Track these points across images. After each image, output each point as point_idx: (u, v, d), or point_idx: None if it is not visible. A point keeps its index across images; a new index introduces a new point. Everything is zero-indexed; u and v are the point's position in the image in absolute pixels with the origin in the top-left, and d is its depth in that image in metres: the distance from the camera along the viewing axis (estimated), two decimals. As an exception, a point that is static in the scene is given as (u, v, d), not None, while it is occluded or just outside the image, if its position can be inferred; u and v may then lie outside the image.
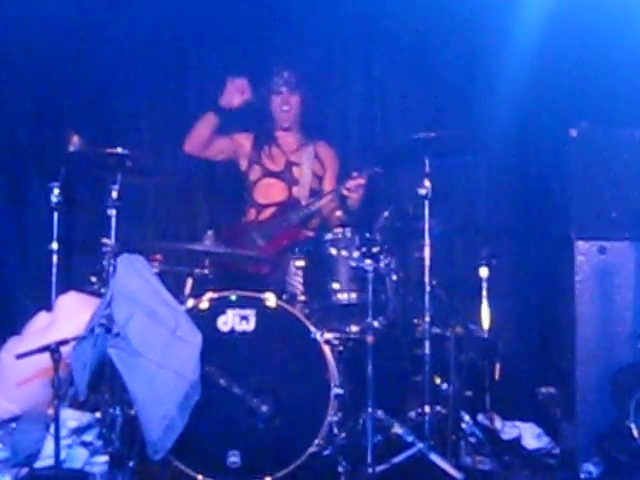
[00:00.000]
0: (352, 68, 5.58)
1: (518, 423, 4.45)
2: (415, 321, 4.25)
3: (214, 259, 4.24)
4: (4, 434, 3.84)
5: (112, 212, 4.00)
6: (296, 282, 4.44)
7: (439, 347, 4.16)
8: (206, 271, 4.22)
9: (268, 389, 3.84)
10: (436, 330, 4.19)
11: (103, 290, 4.00)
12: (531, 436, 4.39)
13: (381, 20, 5.41)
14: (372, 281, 3.95)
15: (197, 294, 4.02)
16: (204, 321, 3.83)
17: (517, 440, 4.38)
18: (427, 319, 4.02)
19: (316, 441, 3.81)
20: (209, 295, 3.94)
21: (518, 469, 4.08)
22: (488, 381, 4.46)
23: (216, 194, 5.41)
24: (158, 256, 4.23)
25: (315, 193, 4.91)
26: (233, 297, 3.94)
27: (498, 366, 4.53)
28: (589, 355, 4.13)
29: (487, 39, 5.22)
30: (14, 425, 3.91)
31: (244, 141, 5.02)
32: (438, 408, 4.16)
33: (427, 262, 4.05)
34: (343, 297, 4.12)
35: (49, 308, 4.23)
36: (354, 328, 4.15)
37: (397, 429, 3.99)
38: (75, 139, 4.26)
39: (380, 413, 3.98)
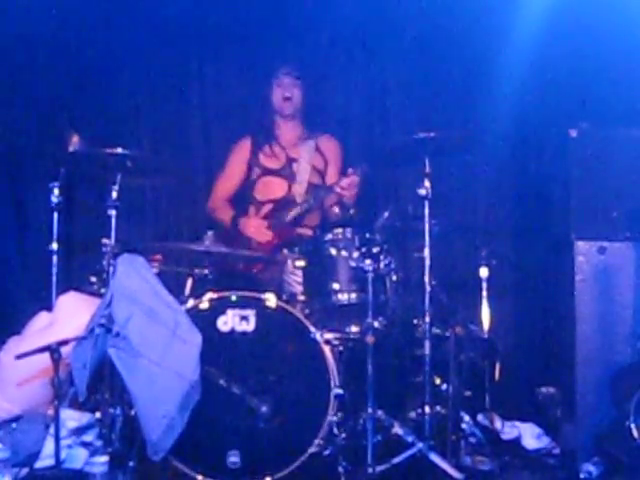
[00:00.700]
0: (352, 68, 5.58)
1: (518, 423, 4.45)
2: (415, 321, 4.25)
3: (214, 259, 4.24)
4: (4, 434, 3.84)
5: (112, 212, 4.00)
6: (294, 282, 4.45)
7: (439, 347, 4.16)
8: (206, 271, 4.22)
9: (268, 389, 3.85)
10: (436, 330, 4.19)
11: (103, 290, 3.99)
12: (531, 436, 4.39)
13: (382, 19, 5.40)
14: (372, 281, 3.95)
15: (197, 294, 4.02)
16: (204, 321, 3.83)
17: (517, 440, 4.38)
18: (427, 319, 4.02)
19: (316, 441, 3.81)
20: (209, 295, 3.95)
21: (518, 469, 4.08)
22: (488, 381, 4.46)
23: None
24: (158, 256, 4.23)
25: (315, 188, 4.90)
26: (233, 297, 3.95)
27: (498, 366, 4.53)
28: (589, 355, 4.13)
29: (487, 39, 5.21)
30: (14, 425, 3.90)
31: (242, 148, 5.02)
32: (438, 408, 4.15)
33: (427, 262, 4.04)
34: (343, 297, 4.12)
35: (49, 308, 4.23)
36: (354, 328, 4.15)
37: (397, 429, 3.99)
38: (75, 139, 4.25)
39: (380, 413, 3.98)
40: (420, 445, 3.89)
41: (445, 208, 4.41)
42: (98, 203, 4.23)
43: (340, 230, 4.17)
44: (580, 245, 4.18)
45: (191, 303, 3.93)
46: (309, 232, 4.83)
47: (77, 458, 3.72)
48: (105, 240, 4.03)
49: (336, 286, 4.12)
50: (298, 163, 4.97)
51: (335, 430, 3.88)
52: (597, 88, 5.08)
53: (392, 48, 5.49)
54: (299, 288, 4.33)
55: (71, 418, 3.78)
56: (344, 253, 4.12)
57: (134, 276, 3.71)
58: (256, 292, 3.98)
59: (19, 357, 3.57)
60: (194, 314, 3.84)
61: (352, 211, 4.61)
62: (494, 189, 5.49)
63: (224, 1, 5.33)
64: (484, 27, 5.20)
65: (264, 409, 3.81)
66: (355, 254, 4.09)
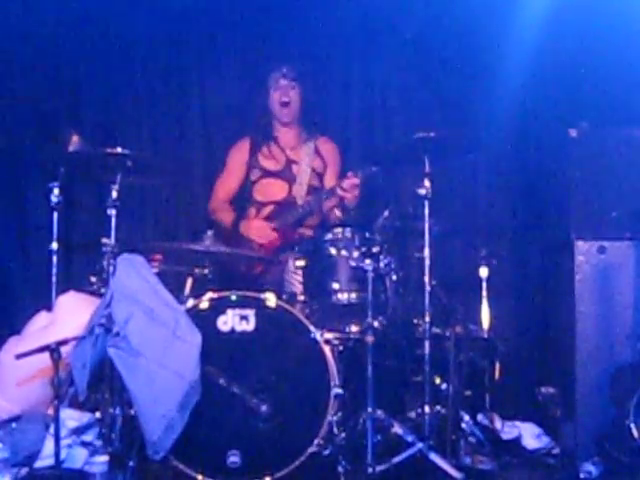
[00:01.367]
0: (352, 67, 5.58)
1: (518, 423, 4.45)
2: (415, 321, 4.25)
3: (214, 259, 4.24)
4: (4, 434, 3.84)
5: (112, 212, 3.99)
6: (295, 281, 4.45)
7: (439, 347, 4.17)
8: (206, 271, 4.22)
9: (268, 389, 3.85)
10: (436, 330, 4.19)
11: (103, 290, 3.99)
12: (531, 436, 4.39)
13: (382, 19, 5.41)
14: (372, 281, 3.95)
15: (197, 294, 4.02)
16: (204, 321, 3.83)
17: (517, 440, 4.38)
18: (427, 319, 4.02)
19: (316, 441, 3.81)
20: (209, 295, 3.95)
21: (518, 469, 4.08)
22: (488, 381, 4.46)
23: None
24: (158, 256, 4.23)
25: (314, 190, 4.90)
26: (233, 297, 3.95)
27: (498, 366, 4.53)
28: (589, 355, 4.13)
29: (487, 39, 5.21)
30: (14, 425, 3.91)
31: (241, 149, 5.02)
32: (438, 408, 4.16)
33: (427, 262, 4.04)
34: (343, 297, 4.12)
35: (49, 308, 4.23)
36: (354, 328, 4.14)
37: (397, 429, 3.99)
38: (75, 139, 4.26)
39: (380, 413, 3.98)
40: (420, 445, 3.89)
41: (445, 208, 4.41)
42: (98, 203, 4.24)
43: (340, 230, 4.18)
44: (580, 245, 4.18)
45: (191, 303, 3.93)
46: (310, 232, 4.83)
47: (77, 458, 3.72)
48: (105, 240, 4.03)
49: (336, 286, 4.12)
50: (298, 165, 4.96)
51: (335, 430, 3.88)
52: (597, 88, 5.08)
53: (392, 48, 5.49)
54: (300, 287, 4.33)
55: (71, 418, 3.79)
56: (344, 253, 4.12)
57: (134, 276, 3.71)
58: (256, 292, 3.99)
59: (19, 357, 3.57)
60: (194, 314, 3.84)
61: (353, 213, 4.62)
62: (494, 189, 5.49)
63: (224, 2, 5.34)
64: (484, 27, 5.20)
65: (264, 409, 3.81)
66: (355, 254, 4.09)
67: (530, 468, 4.11)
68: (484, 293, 4.54)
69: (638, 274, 4.14)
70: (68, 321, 4.01)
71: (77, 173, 4.55)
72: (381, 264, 4.09)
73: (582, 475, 3.95)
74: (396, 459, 3.86)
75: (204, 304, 3.93)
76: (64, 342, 3.55)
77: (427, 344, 4.01)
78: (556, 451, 4.32)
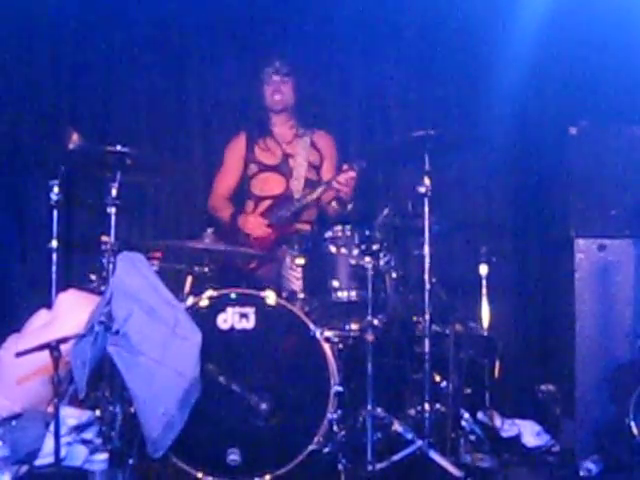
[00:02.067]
0: (352, 65, 5.57)
1: (518, 421, 4.45)
2: (415, 319, 4.25)
3: (214, 257, 4.24)
4: (4, 432, 3.83)
5: (112, 210, 3.99)
6: (294, 277, 4.44)
7: (439, 345, 4.16)
8: (206, 269, 4.22)
9: (268, 387, 3.85)
10: (436, 328, 4.19)
11: (103, 288, 3.99)
12: (531, 434, 4.39)
13: (381, 16, 5.41)
14: (372, 279, 3.96)
15: (197, 292, 4.02)
16: (204, 319, 3.83)
17: (517, 438, 4.38)
18: (427, 317, 4.02)
19: (316, 439, 3.81)
20: (209, 293, 3.95)
21: (517, 467, 4.08)
22: (488, 379, 4.46)
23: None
24: (158, 254, 4.23)
25: (311, 184, 4.90)
26: (233, 295, 3.95)
27: (498, 364, 4.53)
28: (589, 353, 4.13)
29: (487, 36, 5.22)
30: (14, 423, 3.90)
31: (238, 144, 5.02)
32: (438, 406, 4.16)
33: (427, 260, 4.04)
34: (343, 295, 4.12)
35: (49, 306, 4.23)
36: (354, 326, 4.14)
37: (397, 427, 3.99)
38: (75, 137, 4.25)
39: (380, 411, 3.98)
40: (420, 443, 3.89)
41: (445, 206, 4.40)
42: (98, 201, 4.23)
43: (340, 227, 4.18)
44: (580, 242, 4.18)
45: (191, 301, 3.93)
46: (307, 227, 4.83)
47: (77, 456, 3.72)
48: (105, 238, 4.03)
49: (336, 284, 4.12)
50: (294, 159, 4.97)
51: (335, 427, 3.88)
52: (597, 85, 5.09)
53: (392, 45, 5.49)
54: (298, 284, 4.32)
55: (71, 416, 3.78)
56: (344, 250, 4.12)
57: (134, 274, 3.71)
58: (256, 290, 3.99)
59: (19, 355, 3.57)
60: (194, 312, 3.84)
61: (350, 206, 4.61)
62: (494, 186, 5.50)
63: (222, -1, 5.36)
64: (484, 25, 5.21)
65: (264, 407, 3.81)
66: (355, 251, 4.09)
67: (530, 466, 4.11)
68: (484, 291, 4.54)
69: (638, 272, 4.14)
70: (68, 319, 4.01)
71: (77, 171, 4.55)
72: (381, 262, 4.10)
73: (582, 473, 3.95)
74: (396, 457, 3.86)
75: (204, 302, 3.93)
76: (64, 340, 3.54)
77: (427, 342, 4.01)
78: (556, 449, 4.32)
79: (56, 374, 3.45)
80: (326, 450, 3.86)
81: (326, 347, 3.92)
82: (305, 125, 5.04)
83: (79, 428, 3.80)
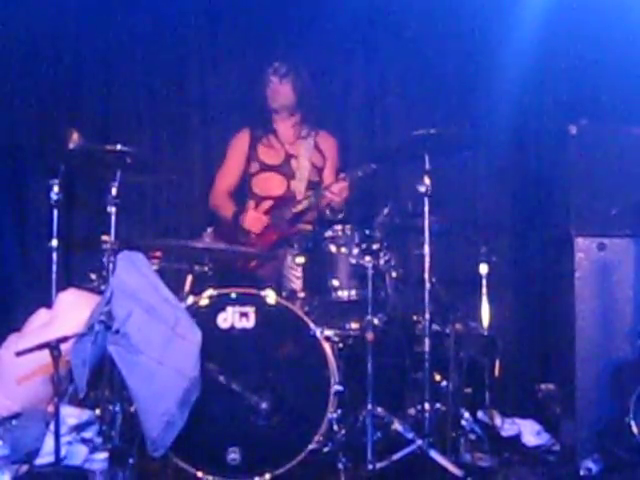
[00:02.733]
0: (352, 65, 5.57)
1: (518, 420, 4.46)
2: (415, 318, 4.25)
3: (214, 256, 4.24)
4: (4, 431, 3.84)
5: (112, 209, 3.99)
6: (294, 277, 4.45)
7: (439, 344, 4.17)
8: (206, 268, 4.22)
9: (268, 386, 3.85)
10: (436, 327, 4.19)
11: (103, 287, 3.99)
12: (531, 433, 4.39)
13: (381, 16, 5.40)
14: (372, 278, 3.96)
15: (197, 291, 4.02)
16: (204, 318, 3.83)
17: (517, 437, 4.39)
18: (427, 316, 4.02)
19: (316, 438, 3.81)
20: (209, 292, 3.95)
21: (518, 466, 4.08)
22: (488, 378, 4.46)
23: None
24: (158, 253, 4.23)
25: (314, 185, 4.90)
26: (233, 294, 3.94)
27: (498, 363, 4.53)
28: (589, 352, 4.13)
29: (487, 36, 5.22)
30: (14, 422, 3.90)
31: (241, 140, 5.01)
32: (438, 405, 4.16)
33: (427, 259, 4.05)
34: (343, 294, 4.13)
35: (49, 305, 4.23)
36: (354, 325, 4.15)
37: (397, 426, 3.99)
38: (75, 136, 4.25)
39: (380, 410, 3.98)
40: (420, 442, 3.89)
41: (445, 205, 4.41)
42: (98, 200, 4.22)
43: (340, 227, 4.18)
44: (580, 242, 4.18)
45: (191, 300, 3.93)
46: (309, 227, 4.83)
47: (77, 455, 3.72)
48: (105, 237, 4.03)
49: (336, 283, 4.13)
50: (297, 160, 4.96)
51: (335, 427, 3.88)
52: (596, 84, 5.09)
53: (392, 45, 5.48)
54: (298, 283, 4.33)
55: (71, 415, 3.78)
56: (344, 250, 4.13)
57: (134, 273, 3.71)
58: (256, 289, 3.99)
59: (19, 354, 3.57)
60: (194, 311, 3.84)
61: (341, 215, 4.62)
62: (494, 186, 5.49)
63: (224, -2, 5.36)
64: (484, 24, 5.21)
65: (264, 406, 3.81)
66: (355, 251, 4.10)
67: (530, 465, 4.11)
68: (484, 290, 4.54)
69: (638, 271, 4.14)
70: (68, 318, 4.01)
71: (77, 170, 4.55)
72: (381, 261, 4.10)
73: (582, 472, 3.95)
74: (396, 456, 3.86)
75: (204, 301, 3.93)
76: (64, 339, 3.54)
77: (427, 341, 4.02)
78: (556, 448, 4.32)
79: (56, 373, 3.46)
80: (326, 449, 3.87)
81: (326, 346, 3.92)
82: (308, 126, 5.04)
83: (79, 427, 3.80)
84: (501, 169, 5.47)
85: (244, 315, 3.91)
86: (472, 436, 4.15)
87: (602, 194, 4.20)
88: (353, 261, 4.08)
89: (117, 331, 3.56)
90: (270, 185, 4.93)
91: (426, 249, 4.05)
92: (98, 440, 3.78)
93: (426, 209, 4.06)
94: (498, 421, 4.38)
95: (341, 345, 4.14)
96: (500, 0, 5.06)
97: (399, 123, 5.47)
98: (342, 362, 4.07)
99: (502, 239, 5.34)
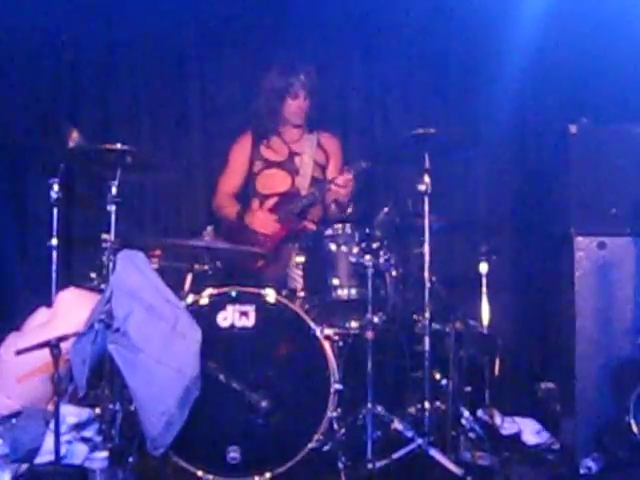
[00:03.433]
0: (352, 64, 5.57)
1: (518, 419, 4.46)
2: (415, 317, 4.25)
3: (214, 255, 4.24)
4: (4, 430, 3.84)
5: (112, 208, 3.99)
6: (297, 276, 4.45)
7: (439, 343, 4.17)
8: (206, 267, 4.22)
9: (268, 385, 3.85)
10: (436, 326, 4.19)
11: (103, 286, 3.99)
12: (531, 432, 4.40)
13: (382, 16, 5.40)
14: (372, 277, 3.96)
15: (197, 290, 4.02)
16: (204, 317, 3.83)
17: (517, 436, 4.39)
18: (427, 315, 4.02)
19: (316, 437, 3.82)
20: (209, 291, 3.95)
21: (518, 464, 4.08)
22: (488, 377, 4.46)
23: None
24: (158, 252, 4.23)
25: (317, 182, 4.89)
26: (233, 293, 3.95)
27: (498, 362, 4.53)
28: (589, 350, 4.13)
29: (487, 35, 5.22)
30: (14, 421, 3.90)
31: (244, 143, 5.00)
32: (438, 404, 4.17)
33: (427, 258, 4.05)
34: (343, 293, 4.12)
35: (49, 304, 4.23)
36: (354, 324, 4.15)
37: (397, 425, 3.99)
38: (75, 135, 4.25)
39: (380, 409, 3.98)
40: (420, 441, 3.89)
41: (445, 204, 4.41)
42: (98, 199, 4.22)
43: (340, 226, 4.18)
44: (580, 240, 4.18)
45: (191, 299, 3.93)
46: (313, 226, 4.82)
47: (77, 454, 3.72)
48: (105, 236, 4.03)
49: (336, 282, 4.12)
50: (301, 157, 4.96)
51: (335, 425, 3.88)
52: (597, 84, 5.09)
53: (392, 44, 5.48)
54: (301, 283, 4.33)
55: (71, 414, 3.78)
56: (344, 249, 4.13)
57: (134, 272, 3.71)
58: (256, 288, 3.98)
59: (19, 353, 3.57)
60: (194, 310, 3.84)
61: (349, 210, 4.61)
62: (494, 185, 5.49)
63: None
64: (484, 24, 5.21)
65: (264, 404, 3.81)
66: (355, 250, 4.10)
67: (530, 464, 4.11)
68: (484, 289, 4.54)
69: (638, 270, 4.14)
70: (68, 317, 4.01)
71: (77, 169, 4.56)
72: (381, 260, 4.10)
73: (582, 471, 3.95)
74: (396, 455, 3.86)
75: (204, 300, 3.93)
76: (64, 338, 3.54)
77: (427, 340, 4.02)
78: (556, 447, 4.33)
79: (56, 372, 3.46)
80: (326, 448, 3.87)
81: (326, 345, 3.92)
82: (311, 127, 5.03)
83: (79, 426, 3.80)
84: (501, 168, 5.48)
85: (244, 314, 3.91)
86: (472, 435, 4.14)
87: (602, 193, 4.20)
88: (353, 260, 4.08)
89: (117, 330, 3.56)
90: (274, 181, 4.92)
91: (426, 248, 4.05)
92: (98, 439, 3.78)
93: (426, 208, 4.06)
94: (498, 420, 4.39)
95: (341, 344, 4.14)
96: (501, 1, 5.06)
97: (399, 122, 5.47)
98: (342, 361, 4.07)
99: (502, 238, 5.33)
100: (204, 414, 3.70)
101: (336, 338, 4.12)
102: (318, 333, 3.92)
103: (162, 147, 5.41)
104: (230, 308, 3.92)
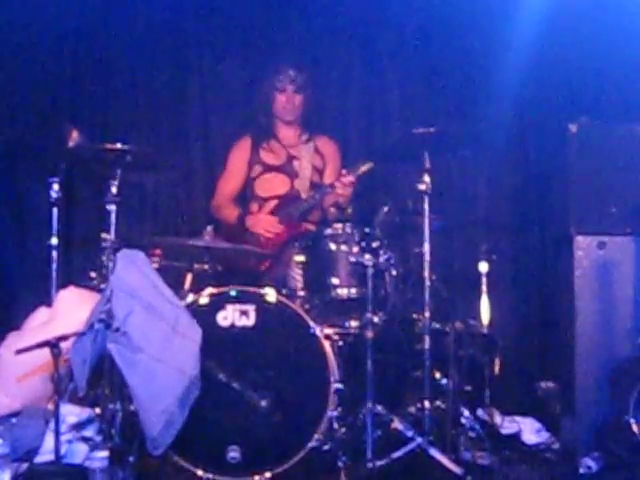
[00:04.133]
0: (352, 64, 5.56)
1: (518, 418, 4.46)
2: (415, 316, 4.25)
3: (214, 254, 4.24)
4: (4, 429, 3.84)
5: (112, 207, 3.99)
6: (298, 276, 4.44)
7: (439, 342, 4.16)
8: (206, 266, 4.22)
9: (268, 384, 3.85)
10: (436, 325, 4.20)
11: (103, 285, 3.99)
12: (531, 431, 4.40)
13: (381, 15, 5.40)
14: (372, 276, 3.96)
15: (197, 289, 4.02)
16: (204, 316, 3.83)
17: (517, 435, 4.39)
18: (427, 314, 4.02)
19: (316, 436, 3.81)
20: (209, 290, 3.95)
21: (517, 464, 4.08)
22: (488, 376, 4.46)
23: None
24: (158, 251, 4.23)
25: (316, 186, 4.89)
26: (233, 292, 3.94)
27: (498, 361, 4.53)
28: (589, 350, 4.14)
29: (486, 35, 5.21)
30: (14, 420, 3.91)
31: (242, 147, 5.00)
32: (438, 403, 4.17)
33: (427, 257, 4.05)
34: (343, 292, 4.13)
35: (49, 303, 4.23)
36: (354, 323, 4.15)
37: (397, 424, 3.99)
38: (74, 134, 4.25)
39: (380, 408, 3.98)
40: (420, 440, 3.89)
41: (445, 203, 4.41)
42: (98, 198, 4.22)
43: (340, 225, 4.18)
44: (580, 240, 4.19)
45: (191, 298, 3.93)
46: (313, 228, 4.82)
47: (77, 453, 3.72)
48: (105, 235, 4.03)
49: (336, 281, 4.13)
50: (299, 162, 4.96)
51: (335, 425, 3.88)
52: (597, 83, 5.09)
53: (391, 43, 5.48)
54: (301, 283, 4.32)
55: (71, 413, 3.79)
56: (344, 248, 4.13)
57: (134, 271, 3.71)
58: (256, 287, 3.98)
59: (19, 352, 3.57)
60: (194, 309, 3.84)
61: (349, 211, 4.61)
62: (494, 184, 5.48)
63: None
64: (483, 23, 5.21)
65: (264, 404, 3.81)
66: (355, 249, 4.10)
67: (530, 463, 4.11)
68: (484, 288, 4.54)
69: (638, 269, 4.15)
70: (68, 317, 4.01)
71: (77, 168, 4.55)
72: (381, 259, 4.10)
73: (582, 470, 3.95)
74: (396, 454, 3.87)
75: (204, 299, 3.93)
76: (64, 338, 3.54)
77: (427, 339, 4.02)
78: (556, 446, 4.33)
79: (56, 372, 3.46)
80: (326, 447, 3.86)
81: (326, 344, 3.92)
82: (309, 130, 5.03)
83: (79, 426, 3.80)
84: (501, 167, 5.47)
85: (244, 313, 3.91)
86: (472, 434, 4.15)
87: (602, 192, 4.20)
88: (353, 259, 4.08)
89: (117, 329, 3.56)
90: (274, 185, 4.92)
91: (426, 247, 4.05)
92: (98, 438, 3.78)
93: (426, 207, 4.06)
94: (498, 419, 4.39)
95: (341, 343, 4.14)
96: (500, 0, 5.06)
97: (399, 121, 5.47)
98: (342, 360, 4.07)
99: (502, 237, 5.33)
100: (204, 414, 3.70)
101: (336, 337, 4.11)
102: (318, 332, 3.92)
103: (162, 146, 5.40)
104: (230, 307, 3.91)
